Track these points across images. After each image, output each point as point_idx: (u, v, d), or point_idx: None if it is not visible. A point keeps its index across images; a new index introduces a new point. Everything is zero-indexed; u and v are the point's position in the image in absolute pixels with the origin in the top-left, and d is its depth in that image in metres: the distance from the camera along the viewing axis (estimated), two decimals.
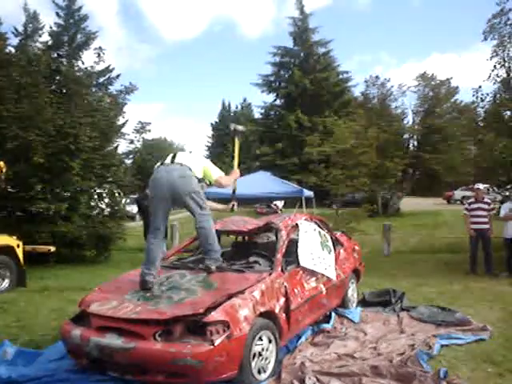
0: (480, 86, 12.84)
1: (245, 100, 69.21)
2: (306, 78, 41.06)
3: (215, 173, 5.09)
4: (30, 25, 22.45)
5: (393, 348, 4.83)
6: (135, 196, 14.20)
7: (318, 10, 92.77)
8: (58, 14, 25.28)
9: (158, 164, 4.89)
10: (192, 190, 4.68)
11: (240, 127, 5.71)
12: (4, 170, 9.31)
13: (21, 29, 22.63)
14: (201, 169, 4.91)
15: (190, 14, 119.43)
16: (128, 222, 15.82)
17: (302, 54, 43.95)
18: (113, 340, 3.84)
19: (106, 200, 13.75)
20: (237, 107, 70.34)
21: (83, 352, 4.02)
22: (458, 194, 34.41)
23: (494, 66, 12.18)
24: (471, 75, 79.03)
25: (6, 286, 8.58)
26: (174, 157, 4.87)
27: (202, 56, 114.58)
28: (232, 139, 5.73)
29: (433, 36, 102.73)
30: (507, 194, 11.39)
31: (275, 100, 45.23)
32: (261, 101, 45.89)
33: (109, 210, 13.75)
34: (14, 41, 19.62)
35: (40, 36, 20.46)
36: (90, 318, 4.19)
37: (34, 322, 6.26)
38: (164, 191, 4.66)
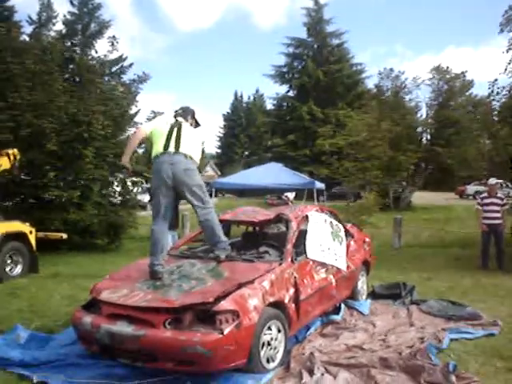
0: (496, 79, 12.72)
1: (257, 91, 69.25)
2: (319, 70, 40.81)
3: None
4: (44, 13, 22.55)
5: (402, 340, 4.83)
6: (147, 185, 14.26)
7: (333, 1, 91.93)
8: (71, 2, 25.31)
9: (161, 149, 4.70)
10: (195, 184, 4.66)
11: None
12: (18, 158, 9.38)
13: (35, 17, 22.75)
14: (200, 151, 4.88)
15: (203, 4, 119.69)
16: (139, 211, 15.88)
17: (315, 45, 43.65)
18: (123, 327, 3.88)
19: (118, 189, 13.84)
20: (249, 98, 70.41)
21: (94, 339, 4.07)
22: (471, 188, 34.16)
23: (510, 60, 12.02)
24: (487, 69, 78.20)
25: (19, 271, 8.70)
26: (178, 141, 4.71)
27: (215, 46, 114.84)
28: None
29: (449, 29, 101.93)
30: None
31: (288, 91, 45.05)
32: (273, 92, 45.86)
33: (120, 198, 13.83)
34: (28, 29, 19.78)
35: (54, 25, 20.60)
36: (101, 305, 4.23)
37: (46, 307, 6.34)
38: (168, 182, 4.62)
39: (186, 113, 5.10)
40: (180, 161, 4.64)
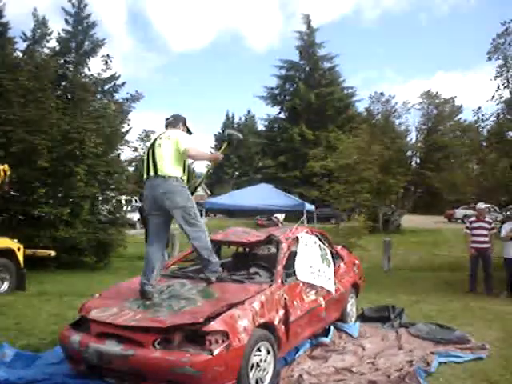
0: (480, 107, 12.94)
1: (249, 112, 69.67)
2: (310, 92, 41.22)
3: (185, 143, 4.65)
4: (39, 30, 22.62)
5: (391, 364, 4.83)
6: (138, 204, 14.24)
7: (325, 25, 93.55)
8: (66, 20, 25.49)
9: (145, 175, 4.73)
10: (178, 207, 4.56)
11: (235, 134, 5.46)
12: (8, 173, 9.34)
13: (29, 34, 22.81)
14: (179, 156, 4.62)
15: (197, 25, 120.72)
16: (129, 229, 15.82)
17: (307, 68, 44.17)
18: (112, 347, 3.85)
19: (108, 206, 13.79)
20: (240, 119, 70.76)
21: (82, 358, 4.03)
22: (460, 212, 34.38)
23: (498, 87, 12.25)
24: (476, 94, 79.31)
25: (6, 288, 8.61)
26: (154, 164, 4.64)
27: (207, 67, 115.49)
28: (224, 142, 5.46)
29: (438, 54, 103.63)
30: (508, 213, 11.38)
31: (279, 113, 45.41)
32: (265, 113, 46.11)
33: (110, 216, 13.78)
34: (22, 45, 19.81)
35: (48, 42, 20.60)
36: (90, 324, 4.19)
37: (32, 325, 6.26)
38: (152, 206, 4.69)
39: (177, 120, 5.04)
40: (158, 185, 4.59)
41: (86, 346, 3.95)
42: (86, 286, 9.37)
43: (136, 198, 14.30)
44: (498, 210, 16.95)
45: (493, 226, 9.94)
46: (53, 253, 10.29)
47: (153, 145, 4.77)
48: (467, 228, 10.12)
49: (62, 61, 17.75)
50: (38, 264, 10.63)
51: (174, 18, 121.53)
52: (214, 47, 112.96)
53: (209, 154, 5.18)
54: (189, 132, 5.10)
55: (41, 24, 22.90)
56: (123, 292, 4.78)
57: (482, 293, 9.62)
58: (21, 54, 15.51)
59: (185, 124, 5.10)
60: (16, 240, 9.02)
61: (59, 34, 23.79)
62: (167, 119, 5.10)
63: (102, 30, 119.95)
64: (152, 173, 4.65)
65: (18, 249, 8.91)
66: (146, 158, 4.80)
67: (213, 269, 4.82)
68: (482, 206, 10.14)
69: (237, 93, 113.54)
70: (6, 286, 8.62)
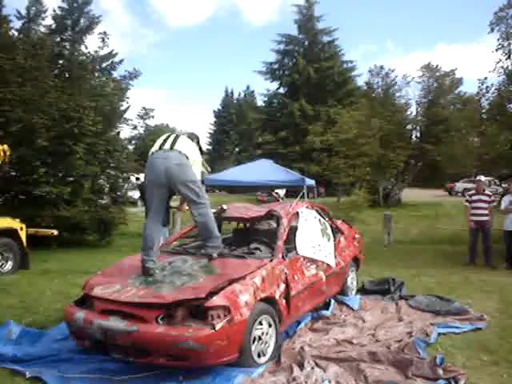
0: (486, 78, 12.85)
1: (248, 87, 69.14)
2: (310, 67, 40.82)
3: (196, 157, 4.89)
4: (33, 8, 22.29)
5: (391, 335, 4.91)
6: (138, 182, 14.26)
7: None
8: None
9: (156, 148, 4.76)
10: (188, 179, 4.62)
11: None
12: (8, 154, 9.34)
13: (24, 12, 22.47)
14: (193, 160, 4.80)
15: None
16: (130, 207, 15.87)
17: (306, 43, 43.65)
18: (116, 323, 3.91)
19: (108, 185, 13.83)
20: (240, 94, 70.24)
21: (86, 334, 4.10)
22: (460, 185, 34.42)
23: (499, 59, 12.16)
24: (477, 67, 78.69)
25: (10, 268, 8.69)
26: (174, 142, 4.75)
27: (206, 43, 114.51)
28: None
29: (440, 26, 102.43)
30: (507, 185, 11.39)
31: (278, 88, 45.01)
32: (264, 89, 45.71)
33: (112, 195, 13.82)
34: (17, 24, 19.57)
35: (43, 19, 20.35)
36: (94, 301, 4.25)
37: (37, 303, 6.35)
38: (160, 177, 4.60)
39: (192, 137, 5.09)
40: (174, 156, 4.63)
41: (91, 323, 4.01)
42: (89, 263, 9.45)
43: (136, 175, 14.29)
44: (497, 182, 16.97)
45: (492, 198, 9.98)
46: (55, 232, 10.35)
47: (177, 134, 4.89)
48: (467, 201, 10.15)
49: (59, 39, 17.61)
50: (40, 243, 10.71)
51: None
52: (211, 22, 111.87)
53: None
54: (200, 150, 5.15)
55: (35, 1, 22.54)
56: (125, 269, 4.84)
57: (481, 265, 9.70)
58: (16, 33, 15.36)
59: (198, 142, 5.16)
60: (18, 220, 9.07)
61: (54, 11, 23.46)
62: (181, 131, 5.23)
63: (98, 6, 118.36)
64: (167, 146, 4.71)
65: (21, 228, 8.96)
66: (163, 138, 4.87)
67: (214, 244, 4.87)
68: (481, 178, 10.16)
69: (236, 68, 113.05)
70: (10, 265, 8.70)
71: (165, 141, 4.79)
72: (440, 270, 9.20)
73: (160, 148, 4.73)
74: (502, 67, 12.31)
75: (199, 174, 4.88)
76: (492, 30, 12.37)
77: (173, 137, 4.83)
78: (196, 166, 4.82)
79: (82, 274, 7.81)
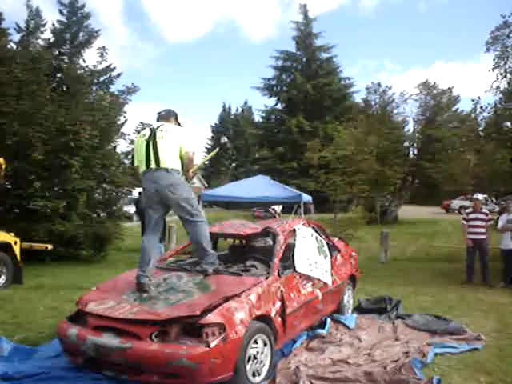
0: (479, 97, 12.92)
1: (246, 103, 69.47)
2: (308, 83, 41.07)
3: (189, 146, 4.78)
4: (33, 21, 22.37)
5: (387, 355, 4.85)
6: (134, 196, 14.21)
7: (323, 15, 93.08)
8: (60, 11, 25.20)
9: (144, 167, 4.69)
10: (180, 198, 4.61)
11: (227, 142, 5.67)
12: (4, 167, 9.30)
13: (23, 25, 22.54)
14: (179, 151, 4.68)
15: (193, 15, 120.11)
16: (126, 221, 15.82)
17: (304, 59, 43.96)
18: (109, 340, 3.86)
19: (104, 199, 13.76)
20: (237, 110, 70.52)
21: (79, 351, 4.04)
22: (456, 203, 34.50)
23: (496, 77, 12.25)
24: (474, 85, 79.34)
25: (3, 282, 8.57)
26: (156, 157, 4.61)
27: (204, 58, 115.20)
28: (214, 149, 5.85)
29: (437, 44, 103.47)
30: (503, 203, 11.41)
31: (276, 104, 45.23)
32: (262, 104, 45.91)
33: (107, 210, 13.76)
34: (16, 37, 19.62)
35: (42, 33, 20.38)
36: (87, 317, 4.21)
37: (30, 319, 6.26)
38: (154, 201, 4.69)
39: (169, 115, 5.04)
40: (162, 177, 4.60)
41: (84, 339, 3.96)
42: (83, 279, 9.38)
43: (131, 189, 14.21)
44: (494, 200, 16.99)
45: (489, 217, 9.99)
46: (49, 246, 10.27)
47: (153, 136, 4.70)
48: (464, 219, 10.16)
49: (57, 52, 17.65)
50: (34, 257, 10.63)
51: (170, 7, 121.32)
52: (210, 37, 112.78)
53: (196, 166, 5.07)
54: (179, 126, 5.11)
55: (35, 15, 22.59)
56: (120, 285, 4.79)
57: (478, 283, 9.66)
58: (15, 46, 15.39)
59: (176, 119, 5.11)
60: (12, 234, 9.00)
61: (53, 25, 23.56)
62: (159, 113, 5.10)
63: (97, 20, 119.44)
64: (153, 165, 4.63)
65: (15, 242, 8.88)
66: (144, 149, 4.71)
67: (210, 261, 4.85)
68: (478, 197, 10.18)
69: (234, 83, 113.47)
70: (2, 279, 8.58)
71: (147, 156, 4.66)
72: (437, 288, 9.16)
73: (147, 166, 4.67)
74: (498, 86, 12.41)
75: (199, 160, 4.94)
76: (488, 49, 12.49)
77: (152, 146, 4.65)
78: (191, 158, 4.76)
79: (75, 289, 7.74)
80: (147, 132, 4.83)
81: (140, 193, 10.17)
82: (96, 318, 4.12)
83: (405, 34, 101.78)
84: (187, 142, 4.76)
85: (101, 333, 3.97)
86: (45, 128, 11.42)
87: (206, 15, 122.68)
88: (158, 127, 4.80)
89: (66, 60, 17.19)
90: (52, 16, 49.46)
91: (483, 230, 9.79)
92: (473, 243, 9.82)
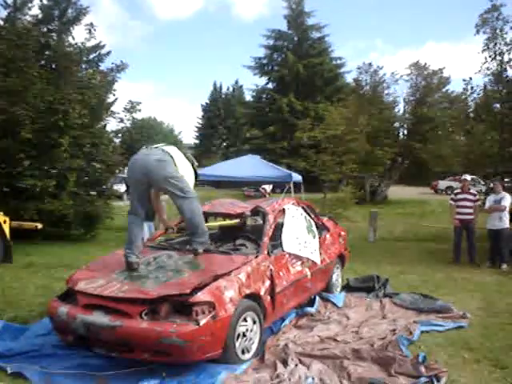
0: (471, 78, 12.95)
1: (237, 82, 68.81)
2: (299, 63, 40.76)
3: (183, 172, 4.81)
4: None
5: (374, 332, 4.94)
6: (123, 175, 14.14)
7: None
8: None
9: (144, 147, 4.85)
10: (169, 174, 4.56)
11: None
12: None
13: (10, 1, 22.13)
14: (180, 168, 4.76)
15: None
16: (116, 201, 15.77)
17: (296, 38, 43.55)
18: (99, 318, 3.89)
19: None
20: (228, 89, 69.93)
21: (69, 329, 4.07)
22: (443, 183, 34.77)
23: (485, 59, 12.26)
24: (465, 66, 79.43)
25: None
26: (157, 145, 4.83)
27: (195, 36, 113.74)
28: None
29: (429, 25, 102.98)
30: (491, 185, 11.50)
31: (267, 83, 44.88)
32: (253, 84, 45.54)
33: (98, 188, 13.70)
34: (3, 13, 19.25)
35: (30, 9, 19.99)
36: (77, 295, 4.23)
37: (20, 297, 6.28)
38: (138, 173, 4.60)
39: (188, 157, 5.09)
40: (154, 153, 4.65)
41: (74, 318, 3.99)
42: (74, 257, 9.38)
43: (121, 168, 14.12)
44: (482, 182, 17.07)
45: (477, 197, 10.08)
46: (39, 225, 10.22)
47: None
48: (452, 200, 10.25)
49: (45, 29, 17.34)
50: (24, 236, 10.58)
51: None
52: (201, 15, 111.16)
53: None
54: (195, 174, 5.17)
55: None
56: (110, 263, 4.81)
57: (465, 263, 9.80)
58: (2, 22, 15.12)
59: (193, 165, 5.14)
60: (1, 213, 8.95)
61: (41, 1, 23.16)
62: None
63: None
64: (153, 145, 4.79)
65: (4, 221, 8.83)
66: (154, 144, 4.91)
67: (201, 239, 4.84)
68: (467, 177, 10.25)
69: (225, 62, 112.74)
70: None
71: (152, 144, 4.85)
72: (424, 268, 9.28)
73: (146, 147, 4.80)
74: (488, 68, 12.42)
75: (192, 184, 4.84)
76: (478, 31, 12.48)
77: (162, 144, 4.86)
78: (187, 178, 4.79)
79: (66, 268, 7.76)
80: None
81: None
82: (86, 297, 4.14)
83: (397, 14, 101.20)
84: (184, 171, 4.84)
85: (91, 311, 3.99)
86: (33, 106, 11.28)
87: None
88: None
89: (55, 37, 16.89)
90: None
91: (471, 211, 9.88)
92: (460, 223, 9.92)
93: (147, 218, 5.11)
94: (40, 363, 3.99)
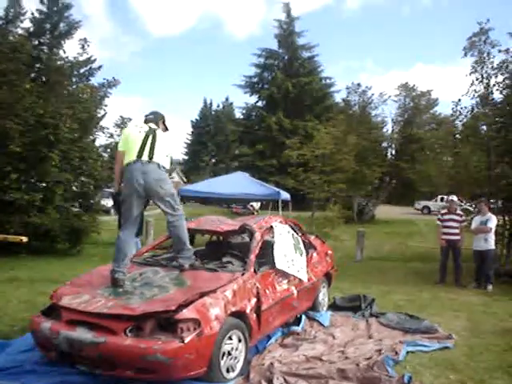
0: (459, 100, 13.10)
1: (227, 99, 69.25)
2: (288, 82, 41.15)
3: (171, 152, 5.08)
4: (12, 10, 21.97)
5: (360, 352, 4.92)
6: (111, 190, 14.07)
7: (307, 14, 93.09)
8: (41, 0, 24.81)
9: (134, 158, 4.67)
10: (167, 193, 4.72)
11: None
12: None
13: (1, 13, 22.14)
14: (169, 160, 4.94)
15: (178, 9, 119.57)
16: (103, 215, 15.67)
17: (286, 57, 44.03)
18: (83, 334, 3.84)
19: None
20: (218, 106, 70.30)
21: (52, 345, 4.01)
22: (421, 203, 35.34)
23: (472, 82, 12.44)
24: (453, 88, 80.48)
25: None
26: (152, 151, 4.69)
27: (187, 52, 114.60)
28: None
29: (419, 47, 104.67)
30: (476, 207, 11.61)
31: (257, 101, 45.23)
32: (243, 101, 45.82)
33: (82, 202, 13.62)
34: None
35: (22, 22, 20.03)
36: (61, 311, 4.17)
37: (2, 312, 6.18)
38: (140, 192, 4.63)
39: (157, 117, 5.08)
40: (153, 170, 4.65)
41: (57, 333, 3.93)
42: (58, 272, 9.27)
43: (109, 184, 14.08)
44: (467, 203, 17.22)
45: (463, 218, 10.16)
46: (24, 239, 10.04)
47: (153, 133, 4.81)
48: (439, 220, 10.33)
49: (37, 42, 17.37)
50: (9, 250, 10.47)
51: (154, 0, 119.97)
52: (193, 33, 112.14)
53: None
54: (166, 129, 5.20)
55: (15, 3, 22.23)
56: (95, 279, 4.77)
57: (451, 283, 9.82)
58: None
59: (164, 122, 5.18)
60: None
61: (33, 14, 23.17)
62: (146, 116, 5.11)
63: (79, 11, 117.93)
64: (146, 158, 4.67)
65: None
66: (141, 140, 4.74)
67: (187, 255, 4.88)
68: (454, 198, 10.35)
69: (215, 79, 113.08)
70: None
71: (142, 147, 4.71)
72: (411, 288, 9.28)
73: (138, 157, 4.67)
74: (475, 90, 12.60)
75: (169, 163, 4.92)
76: (465, 54, 12.69)
77: (150, 140, 4.75)
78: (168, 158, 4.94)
79: (50, 282, 7.65)
80: (144, 127, 4.89)
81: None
82: (70, 312, 4.08)
83: (387, 35, 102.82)
84: (171, 148, 5.05)
85: (74, 327, 3.94)
86: (23, 119, 11.24)
87: (190, 10, 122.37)
88: (154, 129, 4.88)
89: (46, 50, 16.91)
90: (33, 5, 48.53)
91: (457, 231, 9.95)
92: (447, 243, 9.98)
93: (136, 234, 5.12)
94: (21, 380, 3.91)
